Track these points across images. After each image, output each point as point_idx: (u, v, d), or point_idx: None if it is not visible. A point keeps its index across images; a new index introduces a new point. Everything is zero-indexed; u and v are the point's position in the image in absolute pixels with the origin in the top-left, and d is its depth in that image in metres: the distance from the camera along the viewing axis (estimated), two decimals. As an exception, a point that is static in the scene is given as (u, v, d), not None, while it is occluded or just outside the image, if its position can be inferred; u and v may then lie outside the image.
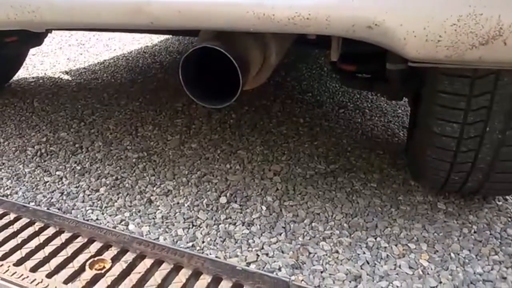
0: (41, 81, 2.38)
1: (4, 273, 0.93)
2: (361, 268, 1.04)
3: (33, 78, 2.43)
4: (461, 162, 1.07)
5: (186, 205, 1.26)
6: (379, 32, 0.77)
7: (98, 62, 2.76)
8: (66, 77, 2.47)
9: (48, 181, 1.37)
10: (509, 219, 1.22)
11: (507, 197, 1.32)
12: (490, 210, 1.26)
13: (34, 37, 1.97)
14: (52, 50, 3.04)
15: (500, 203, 1.29)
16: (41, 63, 2.73)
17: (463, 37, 0.74)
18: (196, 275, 0.95)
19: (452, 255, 1.09)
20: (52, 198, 1.28)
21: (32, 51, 2.86)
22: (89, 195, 1.30)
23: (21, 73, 2.47)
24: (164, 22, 0.88)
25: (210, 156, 1.54)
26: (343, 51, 1.45)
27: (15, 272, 0.94)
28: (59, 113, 1.90)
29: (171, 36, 3.47)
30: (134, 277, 0.93)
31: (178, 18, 0.85)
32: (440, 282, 1.00)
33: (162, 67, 2.66)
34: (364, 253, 1.09)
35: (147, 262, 0.97)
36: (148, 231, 1.14)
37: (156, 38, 3.44)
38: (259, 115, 1.89)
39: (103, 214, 1.21)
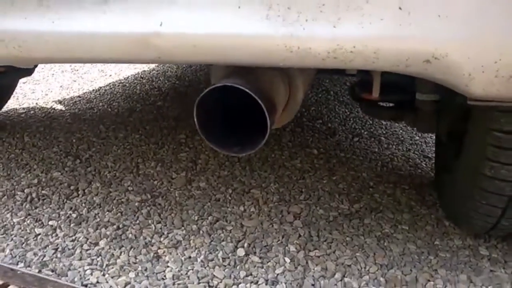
0: (32, 112, 2.23)
1: None
2: (409, 338, 0.89)
3: (23, 109, 2.28)
4: (516, 209, 0.93)
5: (199, 259, 1.11)
6: (439, 67, 0.64)
7: (93, 90, 2.62)
8: (59, 107, 2.32)
9: (39, 234, 1.21)
10: None
11: (555, 238, 1.18)
12: (539, 255, 1.13)
13: (24, 68, 1.83)
14: (44, 77, 2.90)
15: (549, 246, 1.16)
16: (33, 92, 2.58)
17: None
18: None
19: (509, 315, 0.95)
20: (44, 256, 1.12)
21: (22, 79, 2.71)
22: (87, 250, 1.15)
23: (11, 104, 2.32)
24: (174, 57, 0.75)
25: (221, 197, 1.39)
26: (361, 78, 1.33)
27: None
28: (51, 149, 1.75)
29: (168, 59, 3.34)
30: None
31: (192, 53, 0.72)
32: None
33: (161, 94, 2.52)
34: (408, 315, 0.95)
35: None
36: (158, 297, 0.99)
37: (153, 63, 3.31)
38: (269, 147, 1.75)
39: (104, 275, 1.05)
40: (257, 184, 1.47)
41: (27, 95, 2.54)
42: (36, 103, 2.38)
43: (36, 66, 1.89)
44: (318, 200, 1.38)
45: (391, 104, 1.35)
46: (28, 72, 1.89)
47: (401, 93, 1.24)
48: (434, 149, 1.62)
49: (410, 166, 1.63)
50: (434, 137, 1.66)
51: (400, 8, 0.62)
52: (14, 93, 2.26)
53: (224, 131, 0.85)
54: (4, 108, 2.22)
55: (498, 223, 1.01)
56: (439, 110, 1.14)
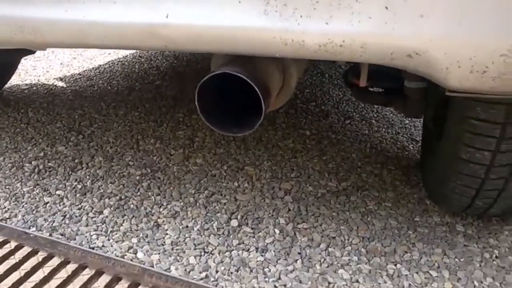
0: (34, 88, 2.29)
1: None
2: (384, 300, 0.99)
3: (26, 85, 2.34)
4: (488, 190, 1.03)
5: (195, 228, 1.20)
6: (420, 61, 0.72)
7: (93, 68, 2.67)
8: (60, 84, 2.38)
9: (48, 202, 1.30)
10: (531, 243, 1.19)
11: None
12: (510, 232, 1.23)
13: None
14: (44, 54, 2.94)
15: (519, 224, 1.26)
16: (34, 69, 2.64)
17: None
18: (213, 312, 0.89)
19: (476, 283, 1.05)
20: (54, 221, 1.21)
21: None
22: (92, 217, 1.24)
23: (14, 80, 2.38)
24: (180, 45, 0.82)
25: (217, 173, 1.48)
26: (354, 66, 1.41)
27: (19, 312, 0.88)
28: (55, 125, 1.82)
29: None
30: (147, 316, 0.88)
31: (197, 42, 0.80)
32: (468, 316, 0.96)
33: (160, 73, 2.58)
34: (385, 282, 1.05)
35: (159, 298, 0.92)
36: (158, 259, 1.08)
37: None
38: (263, 127, 1.83)
39: (109, 240, 1.14)
40: (251, 161, 1.56)
41: (29, 71, 2.59)
42: (38, 80, 2.44)
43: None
44: (308, 178, 1.47)
45: (381, 90, 1.44)
46: (32, 50, 1.94)
47: (390, 80, 1.32)
48: (422, 132, 1.71)
49: (398, 149, 1.72)
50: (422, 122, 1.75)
51: (386, 8, 0.69)
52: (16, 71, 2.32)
53: (223, 113, 0.93)
54: (8, 84, 2.28)
55: (473, 202, 1.11)
56: (426, 97, 1.22)
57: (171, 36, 0.78)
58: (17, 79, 2.41)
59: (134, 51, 3.09)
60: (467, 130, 0.95)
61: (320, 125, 1.88)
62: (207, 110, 0.87)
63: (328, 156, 1.62)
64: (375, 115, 2.00)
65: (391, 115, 2.03)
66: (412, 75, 1.17)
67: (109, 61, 2.82)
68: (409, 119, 1.99)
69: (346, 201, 1.35)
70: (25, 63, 2.72)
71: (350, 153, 1.65)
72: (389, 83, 1.33)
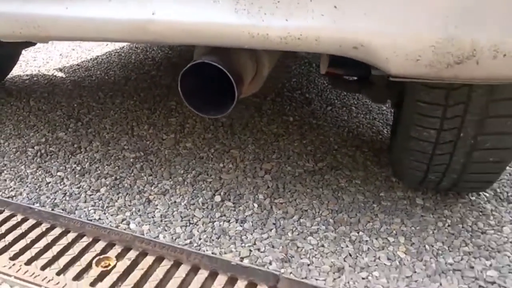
0: (35, 78, 2.43)
1: (17, 271, 1.02)
2: (344, 261, 1.14)
3: (27, 75, 2.48)
4: (436, 164, 1.16)
5: (183, 204, 1.35)
6: (365, 51, 0.85)
7: (91, 58, 2.80)
8: (60, 74, 2.51)
9: (50, 182, 1.45)
10: (480, 213, 1.33)
11: (480, 192, 1.42)
12: (463, 205, 1.37)
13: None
14: (44, 46, 3.07)
15: (473, 198, 1.40)
16: (34, 59, 2.77)
17: (440, 57, 0.82)
18: (194, 270, 1.04)
19: (427, 247, 1.20)
20: (55, 199, 1.35)
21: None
22: (90, 195, 1.38)
23: (15, 70, 2.52)
24: (166, 39, 0.95)
25: (204, 156, 1.62)
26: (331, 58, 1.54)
27: (27, 271, 1.02)
28: (55, 113, 1.96)
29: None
30: (137, 273, 1.02)
31: (180, 36, 0.93)
32: (415, 272, 1.11)
33: (155, 64, 2.71)
34: (347, 246, 1.19)
35: (149, 259, 1.06)
36: (149, 229, 1.23)
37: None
38: (250, 113, 1.97)
39: (105, 214, 1.29)
40: (237, 145, 1.70)
41: (29, 62, 2.72)
42: (38, 70, 2.57)
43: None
44: (288, 159, 1.61)
45: (354, 79, 1.57)
46: (33, 42, 2.07)
47: (360, 69, 1.45)
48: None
49: (373, 133, 1.86)
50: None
51: (335, 7, 0.83)
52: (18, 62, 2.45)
53: (203, 98, 1.06)
54: (10, 75, 2.42)
55: (426, 176, 1.24)
56: (389, 84, 1.35)
57: (157, 30, 0.91)
58: (18, 70, 2.54)
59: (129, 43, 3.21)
60: (416, 111, 1.09)
61: (303, 112, 2.01)
62: (189, 95, 1.00)
63: (307, 140, 1.75)
64: (355, 102, 2.14)
65: (370, 102, 2.16)
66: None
67: (106, 52, 2.94)
68: (387, 105, 2.12)
69: (320, 179, 1.49)
70: (26, 54, 2.85)
71: (328, 137, 1.79)
72: (360, 71, 1.47)
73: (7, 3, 1.00)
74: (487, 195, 1.42)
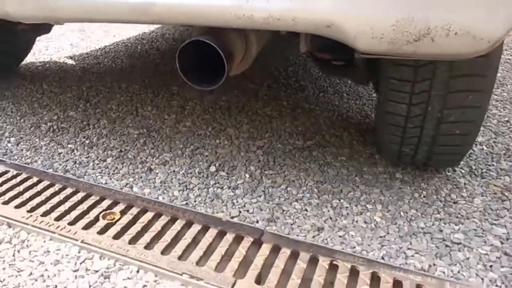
0: (47, 65, 2.57)
1: (34, 221, 1.16)
2: (325, 222, 1.27)
3: (40, 62, 2.62)
4: (409, 137, 1.29)
5: (181, 172, 1.48)
6: (336, 30, 0.98)
7: (100, 48, 2.94)
8: (70, 61, 2.66)
9: (61, 152, 1.59)
10: (454, 186, 1.45)
11: (456, 168, 1.54)
12: (439, 179, 1.49)
13: (43, 26, 2.16)
14: (55, 35, 3.22)
15: (449, 173, 1.52)
16: (46, 49, 2.92)
17: (400, 35, 0.94)
18: (188, 225, 1.17)
19: (402, 213, 1.32)
20: (66, 166, 1.49)
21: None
22: (98, 164, 1.52)
23: (29, 58, 2.66)
24: (166, 20, 1.09)
25: (202, 133, 1.75)
26: (318, 42, 1.67)
27: (42, 221, 1.16)
28: (66, 95, 2.11)
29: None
30: (139, 225, 1.15)
31: (178, 17, 1.06)
32: (388, 233, 1.23)
33: (159, 53, 2.85)
34: (328, 211, 1.32)
35: (149, 215, 1.20)
36: (149, 192, 1.36)
37: (152, 26, 3.61)
38: (247, 98, 2.10)
39: (111, 179, 1.42)
40: (232, 125, 1.83)
41: (42, 51, 2.87)
42: (50, 58, 2.72)
43: (53, 25, 2.22)
44: (279, 138, 1.74)
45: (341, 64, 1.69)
46: (46, 30, 2.22)
47: (345, 53, 1.58)
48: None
49: (361, 116, 1.98)
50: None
51: (310, -10, 0.95)
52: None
53: (197, 72, 1.19)
54: (24, 62, 2.56)
55: (401, 149, 1.37)
56: (370, 66, 1.47)
57: (158, 12, 1.04)
58: (31, 58, 2.69)
59: (137, 33, 3.35)
60: (389, 88, 1.21)
61: (297, 97, 2.14)
62: (185, 70, 1.13)
63: (299, 122, 1.88)
64: (347, 89, 2.26)
65: (362, 89, 2.28)
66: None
67: (113, 43, 3.09)
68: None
69: (308, 155, 1.62)
70: (38, 44, 3.00)
71: (319, 119, 1.91)
72: (344, 56, 1.59)
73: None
74: (463, 171, 1.53)
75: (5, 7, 1.19)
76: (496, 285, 1.06)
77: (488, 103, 1.23)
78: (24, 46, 2.37)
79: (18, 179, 1.34)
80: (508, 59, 2.78)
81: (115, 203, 1.24)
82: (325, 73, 2.15)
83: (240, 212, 1.29)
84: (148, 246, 1.08)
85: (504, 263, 1.12)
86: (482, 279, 1.07)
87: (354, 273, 1.03)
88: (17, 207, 1.21)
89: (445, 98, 1.16)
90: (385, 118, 1.31)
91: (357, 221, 1.28)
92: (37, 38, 3.09)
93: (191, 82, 1.14)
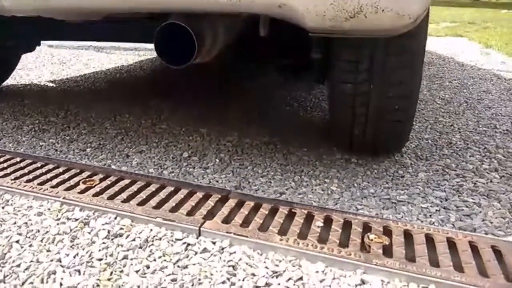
0: (28, 87, 2.71)
1: (18, 186, 1.26)
2: (286, 190, 1.40)
3: (21, 85, 2.76)
4: (358, 115, 1.47)
5: (156, 158, 1.61)
6: (286, 9, 1.17)
7: (79, 75, 3.11)
8: (51, 85, 2.80)
9: (43, 145, 1.70)
10: (402, 166, 1.62)
11: (403, 154, 1.72)
12: (389, 161, 1.66)
13: (27, 44, 2.32)
14: (36, 67, 3.38)
15: (397, 157, 1.69)
16: (27, 75, 3.06)
17: (338, 12, 1.14)
18: (161, 188, 1.29)
19: (355, 184, 1.47)
20: (48, 153, 1.60)
21: (18, 66, 3.19)
22: (78, 152, 1.64)
23: (9, 81, 2.80)
24: (144, 4, 1.26)
25: (176, 132, 1.90)
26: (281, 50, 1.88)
27: (26, 185, 1.26)
28: (48, 106, 2.23)
29: (144, 58, 3.89)
30: (116, 187, 1.27)
31: (154, 2, 1.24)
32: (342, 196, 1.38)
33: (137, 80, 3.03)
34: (290, 183, 1.46)
35: (126, 181, 1.31)
36: (126, 169, 1.48)
37: (131, 60, 3.83)
38: (220, 109, 2.27)
39: (90, 161, 1.54)
40: (204, 125, 1.98)
41: (23, 77, 3.02)
42: (31, 82, 2.86)
43: (37, 44, 2.39)
44: (247, 135, 1.89)
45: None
46: (30, 48, 2.38)
47: (304, 57, 1.79)
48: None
49: (323, 123, 2.16)
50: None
51: (262, -25, 1.16)
52: (11, 75, 2.74)
53: (171, 53, 1.36)
54: (4, 84, 2.69)
55: (352, 130, 1.54)
56: (325, 64, 1.67)
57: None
58: (13, 82, 2.82)
59: (116, 65, 3.55)
60: (337, 69, 1.41)
61: (265, 108, 2.33)
62: (161, 50, 1.30)
63: (265, 123, 2.05)
64: (311, 104, 2.46)
65: (325, 105, 2.49)
66: (315, 49, 1.62)
67: (93, 72, 3.26)
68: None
69: (273, 148, 1.78)
70: (19, 71, 3.15)
71: (284, 123, 2.09)
72: (304, 60, 1.80)
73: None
74: (409, 156, 1.71)
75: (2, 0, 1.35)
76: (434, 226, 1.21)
77: (420, 80, 1.44)
78: (9, 63, 2.51)
79: (1, 159, 1.44)
80: (457, 85, 3.08)
81: (94, 174, 1.35)
82: (288, 77, 2.35)
83: (210, 182, 1.42)
84: (125, 201, 1.19)
85: (442, 213, 1.28)
86: (422, 221, 1.22)
87: (309, 217, 1.16)
88: (1, 177, 1.31)
89: (383, 75, 1.35)
90: (336, 100, 1.49)
91: (315, 189, 1.42)
92: (18, 67, 3.25)
93: (165, 61, 1.31)
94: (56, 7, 1.33)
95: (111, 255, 0.99)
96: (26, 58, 3.60)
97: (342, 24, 1.16)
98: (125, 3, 1.26)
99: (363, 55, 1.35)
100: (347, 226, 1.13)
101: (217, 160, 1.62)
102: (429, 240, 1.07)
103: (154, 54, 4.12)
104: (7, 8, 1.36)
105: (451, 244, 1.06)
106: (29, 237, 1.04)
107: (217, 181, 1.43)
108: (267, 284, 0.92)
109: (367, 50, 1.34)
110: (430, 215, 1.27)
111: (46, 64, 3.50)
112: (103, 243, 1.03)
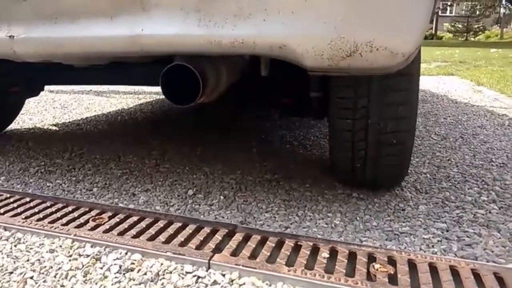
0: (32, 131, 2.77)
1: (29, 224, 1.28)
2: (291, 224, 1.43)
3: (24, 129, 2.82)
4: (357, 150, 1.52)
5: (161, 196, 1.64)
6: (287, 50, 1.25)
7: (81, 118, 3.18)
8: (54, 128, 2.86)
9: (50, 185, 1.73)
10: (402, 199, 1.66)
11: (403, 188, 1.76)
12: (390, 195, 1.70)
13: (32, 89, 2.40)
14: (38, 111, 3.45)
15: (398, 191, 1.74)
16: (30, 120, 3.13)
17: (335, 52, 1.21)
18: (169, 224, 1.31)
19: (358, 218, 1.50)
20: (56, 193, 1.64)
21: (21, 111, 3.26)
22: (85, 192, 1.67)
23: (13, 126, 2.85)
24: (151, 49, 1.34)
25: (180, 171, 1.94)
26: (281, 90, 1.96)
27: (37, 224, 1.29)
28: (52, 149, 2.28)
29: (144, 101, 3.98)
30: (126, 224, 1.29)
31: (161, 46, 1.32)
32: (345, 229, 1.41)
33: (138, 123, 3.10)
34: (294, 218, 1.49)
35: (134, 218, 1.34)
36: (134, 207, 1.51)
37: (131, 103, 3.92)
38: (220, 147, 2.33)
39: (97, 200, 1.57)
40: (209, 165, 2.03)
41: (26, 121, 3.08)
42: (35, 126, 2.92)
43: (41, 89, 2.47)
44: (250, 173, 1.94)
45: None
46: (35, 93, 2.46)
47: (304, 96, 1.86)
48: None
49: (323, 159, 2.22)
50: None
51: (264, 20, 1.24)
52: (14, 120, 2.80)
53: (176, 93, 1.42)
54: (8, 128, 2.75)
55: (353, 164, 1.59)
56: (324, 103, 1.75)
57: (144, 43, 1.30)
58: (16, 126, 2.88)
59: (117, 109, 3.63)
60: (337, 106, 1.47)
61: (265, 148, 2.38)
62: (167, 90, 1.36)
63: (268, 163, 2.10)
64: (311, 143, 2.53)
65: (324, 143, 2.56)
66: (312, 88, 1.70)
67: (95, 115, 3.34)
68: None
69: (275, 184, 1.82)
70: (22, 116, 3.21)
71: (286, 160, 2.14)
72: (303, 98, 1.88)
73: (36, 29, 1.39)
74: (409, 189, 1.76)
75: (14, 46, 1.42)
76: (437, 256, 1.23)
77: (416, 115, 1.51)
78: (14, 108, 2.58)
79: (11, 199, 1.47)
80: (452, 121, 3.17)
81: (102, 212, 1.38)
82: (288, 115, 2.42)
83: (216, 217, 1.45)
84: (135, 236, 1.22)
85: (443, 243, 1.31)
86: (425, 251, 1.25)
87: (315, 249, 1.18)
88: (12, 216, 1.34)
89: (381, 111, 1.42)
90: (336, 136, 1.55)
91: (319, 223, 1.45)
92: (21, 112, 3.32)
93: (171, 100, 1.37)
94: (68, 52, 1.41)
95: (124, 289, 1.01)
96: (28, 103, 3.68)
97: (339, 63, 1.23)
98: (133, 47, 1.33)
99: (361, 92, 1.42)
100: (352, 257, 1.15)
101: (222, 197, 1.65)
102: (433, 269, 1.10)
103: (153, 97, 4.23)
104: (18, 54, 1.43)
105: (454, 272, 1.08)
106: (42, 273, 1.06)
107: (222, 217, 1.46)
108: (278, 314, 0.94)
109: (364, 88, 1.41)
110: (433, 246, 1.30)
111: (48, 109, 3.57)
112: (115, 277, 1.05)
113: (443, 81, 5.86)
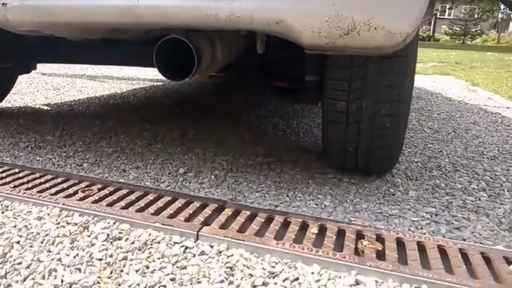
0: (23, 109, 2.74)
1: (18, 193, 1.27)
2: (281, 203, 1.43)
3: (15, 107, 2.79)
4: (350, 132, 1.52)
5: (152, 173, 1.63)
6: (283, 26, 1.24)
7: (73, 100, 3.15)
8: (45, 107, 2.83)
9: (40, 159, 1.72)
10: (393, 185, 1.66)
11: (394, 175, 1.77)
12: (380, 181, 1.71)
13: (23, 65, 2.37)
14: (30, 92, 3.42)
15: (388, 177, 1.74)
16: (22, 99, 3.09)
17: (333, 29, 1.21)
18: (159, 197, 1.31)
19: (348, 200, 1.51)
20: (46, 166, 1.62)
21: (12, 90, 3.22)
22: (75, 167, 1.65)
23: (4, 104, 2.82)
24: (147, 20, 1.32)
25: (171, 151, 1.93)
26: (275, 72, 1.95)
27: (26, 193, 1.27)
28: (43, 127, 2.26)
29: (138, 87, 3.95)
30: (115, 196, 1.28)
31: (157, 17, 1.30)
32: (335, 210, 1.41)
33: (131, 107, 3.08)
34: (284, 198, 1.49)
35: (124, 191, 1.33)
36: (123, 182, 1.50)
37: (125, 88, 3.89)
38: (214, 133, 2.32)
39: (88, 174, 1.56)
40: (200, 147, 2.02)
41: (17, 100, 3.04)
42: (26, 105, 2.89)
43: (35, 66, 2.44)
44: (242, 155, 1.93)
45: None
46: (27, 70, 2.43)
47: (298, 79, 1.86)
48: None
49: (315, 147, 2.22)
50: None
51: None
52: (6, 99, 2.77)
53: (171, 68, 1.41)
54: None
55: (346, 148, 1.59)
56: (319, 87, 1.74)
57: (140, 13, 1.29)
58: (7, 104, 2.85)
59: (110, 92, 3.60)
60: (331, 88, 1.47)
61: (257, 133, 2.38)
62: (161, 65, 1.35)
63: (259, 147, 2.10)
64: (303, 131, 2.53)
65: (317, 131, 2.56)
66: (308, 71, 1.70)
67: (87, 98, 3.31)
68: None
69: (266, 167, 1.82)
70: (14, 96, 3.18)
71: (277, 146, 2.14)
72: (297, 82, 1.87)
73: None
74: (400, 176, 1.76)
75: (7, 14, 1.39)
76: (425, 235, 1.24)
77: (410, 99, 1.51)
78: (5, 85, 2.54)
79: (0, 169, 1.45)
80: (445, 117, 3.19)
81: (92, 184, 1.37)
82: (281, 99, 2.42)
83: (206, 194, 1.44)
84: (124, 208, 1.21)
85: (432, 226, 1.32)
86: (413, 231, 1.25)
87: (304, 226, 1.18)
88: (0, 185, 1.32)
89: (376, 93, 1.42)
90: (329, 118, 1.55)
91: (309, 204, 1.45)
92: (13, 92, 3.28)
93: (164, 75, 1.36)
94: (62, 21, 1.39)
95: (111, 256, 1.00)
96: (20, 84, 3.64)
97: (336, 41, 1.22)
98: (129, 18, 1.32)
99: (356, 74, 1.42)
100: (341, 234, 1.15)
101: (213, 177, 1.65)
102: (421, 248, 1.10)
103: (147, 83, 4.21)
104: (12, 22, 1.40)
105: (442, 251, 1.09)
106: (29, 239, 1.05)
107: (213, 194, 1.46)
108: (264, 283, 0.94)
109: (360, 70, 1.41)
110: (421, 227, 1.30)
111: (40, 90, 3.54)
112: (103, 245, 1.04)
113: (438, 80, 5.88)
